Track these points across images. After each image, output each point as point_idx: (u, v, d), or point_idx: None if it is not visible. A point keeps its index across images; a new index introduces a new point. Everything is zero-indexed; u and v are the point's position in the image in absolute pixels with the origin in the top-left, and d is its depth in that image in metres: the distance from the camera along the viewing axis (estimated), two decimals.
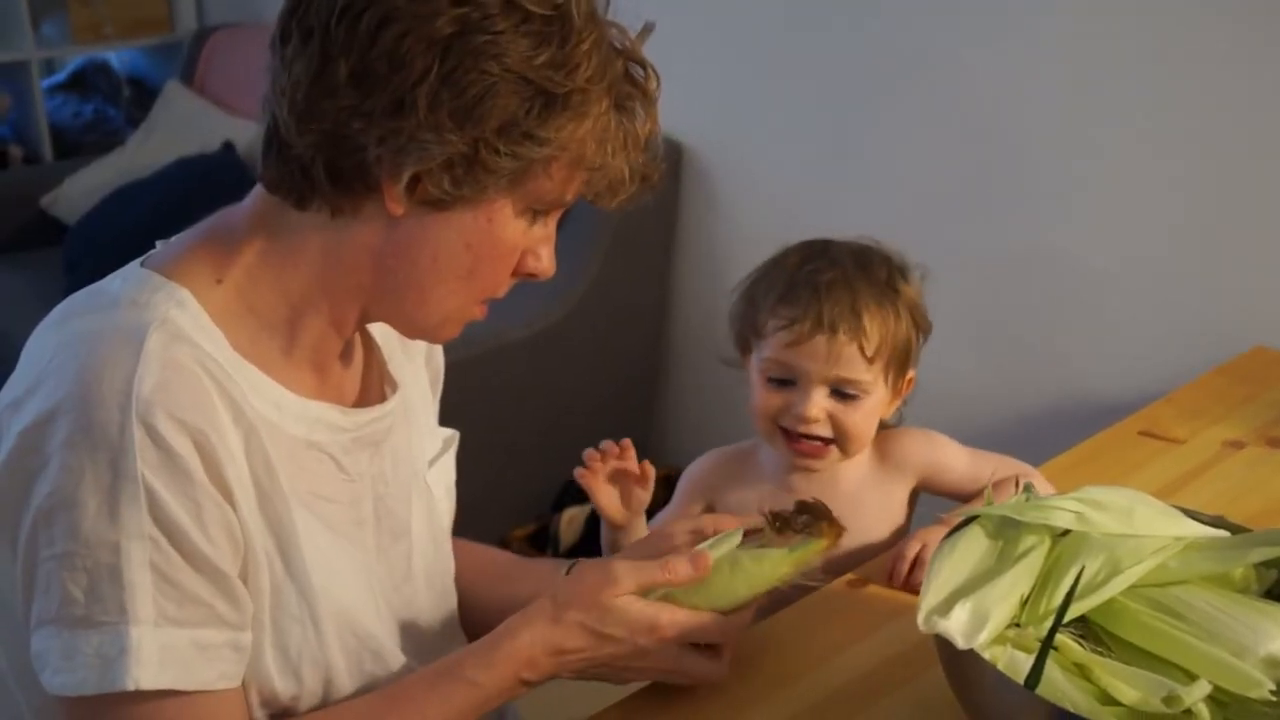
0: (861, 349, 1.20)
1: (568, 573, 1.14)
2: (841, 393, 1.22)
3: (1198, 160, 1.75)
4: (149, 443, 0.80)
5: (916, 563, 1.19)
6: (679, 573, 0.96)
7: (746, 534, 1.04)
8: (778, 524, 1.01)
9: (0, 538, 0.84)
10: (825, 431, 1.23)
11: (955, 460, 1.30)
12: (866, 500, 1.28)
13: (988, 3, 1.91)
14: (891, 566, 1.20)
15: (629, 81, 0.91)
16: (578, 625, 0.95)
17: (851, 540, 1.27)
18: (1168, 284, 1.82)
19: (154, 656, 0.81)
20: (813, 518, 1.01)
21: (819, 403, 1.22)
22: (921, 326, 1.26)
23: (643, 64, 0.91)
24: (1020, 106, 1.92)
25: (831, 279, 1.21)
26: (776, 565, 0.98)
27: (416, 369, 1.11)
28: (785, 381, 1.23)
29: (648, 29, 0.92)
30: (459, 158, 0.85)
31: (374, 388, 1.04)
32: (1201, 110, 1.73)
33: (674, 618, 0.95)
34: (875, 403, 1.24)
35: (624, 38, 0.90)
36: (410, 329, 0.98)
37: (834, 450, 1.25)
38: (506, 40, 0.83)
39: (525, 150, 0.86)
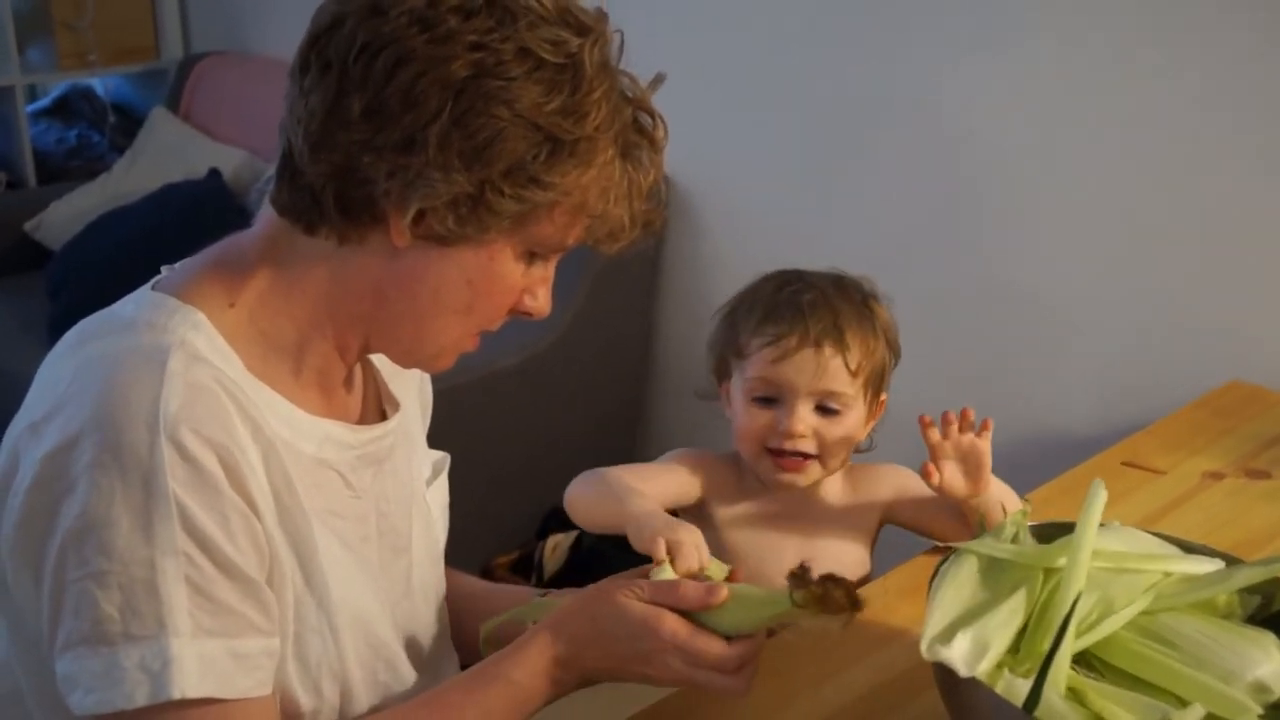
0: (846, 363, 1.23)
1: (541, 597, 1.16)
2: (825, 408, 1.25)
3: (1175, 199, 1.79)
4: (178, 459, 0.82)
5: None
6: (689, 596, 0.96)
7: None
8: (797, 573, 0.95)
9: (22, 563, 0.85)
10: (810, 447, 1.26)
11: (923, 488, 1.30)
12: (835, 527, 1.31)
13: (962, 43, 1.95)
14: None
15: (637, 130, 0.93)
16: (589, 620, 0.97)
17: (825, 568, 1.29)
18: (1146, 320, 1.85)
19: (194, 667, 0.82)
20: (832, 583, 0.94)
21: (805, 417, 1.25)
22: (894, 349, 1.30)
23: (652, 114, 0.94)
24: (999, 146, 1.95)
25: (813, 299, 1.25)
26: (774, 607, 0.95)
27: (411, 393, 1.13)
28: (769, 400, 1.26)
29: (659, 79, 0.94)
30: (464, 197, 0.86)
31: (373, 408, 1.06)
32: (1177, 148, 1.77)
33: (674, 627, 0.94)
34: (856, 419, 1.27)
35: (635, 87, 0.93)
36: (407, 359, 1.00)
37: (815, 465, 1.27)
38: (519, 86, 0.85)
39: (530, 194, 0.87)
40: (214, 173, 2.89)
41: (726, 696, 1.00)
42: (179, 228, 2.71)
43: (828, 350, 1.23)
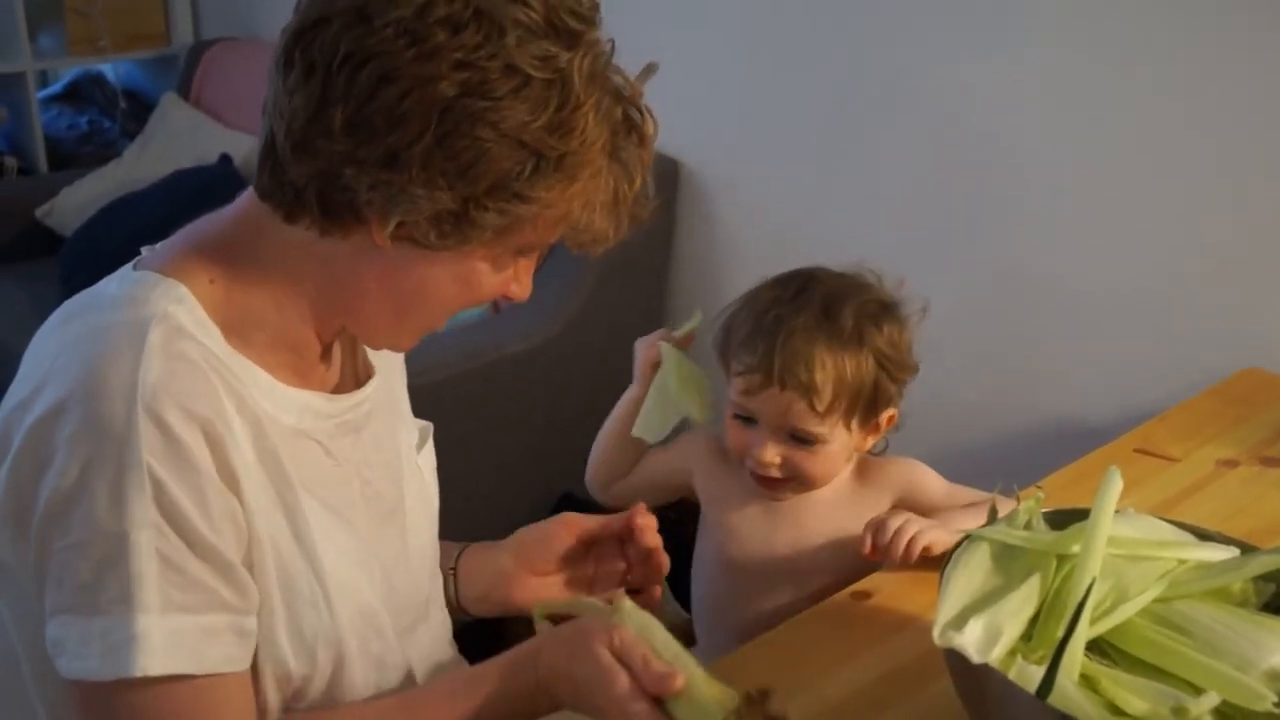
0: (812, 405, 1.21)
1: (459, 555, 1.19)
2: (798, 438, 1.24)
3: (1189, 185, 1.78)
4: (155, 432, 0.82)
5: (880, 534, 1.20)
6: (647, 676, 0.92)
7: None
8: (748, 700, 0.90)
9: (15, 531, 0.86)
10: (779, 475, 1.26)
11: (933, 486, 1.31)
12: (841, 520, 1.30)
13: (980, 29, 1.94)
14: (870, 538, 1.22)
15: (628, 128, 0.91)
16: (566, 656, 0.96)
17: (825, 560, 1.29)
18: (1160, 308, 1.84)
19: (160, 644, 0.83)
20: None
21: (773, 449, 1.24)
22: (894, 373, 1.25)
23: (642, 110, 0.92)
24: (1012, 131, 1.94)
25: (791, 329, 1.21)
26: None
27: (392, 360, 1.13)
28: (748, 419, 1.26)
29: (650, 70, 0.93)
30: (447, 213, 0.86)
31: (350, 375, 1.06)
32: (1191, 136, 1.76)
33: (624, 692, 0.91)
34: (835, 449, 1.26)
35: (626, 84, 0.91)
36: (378, 343, 1.01)
37: (790, 485, 1.28)
38: (505, 106, 0.83)
39: (513, 208, 0.87)
40: (225, 158, 2.89)
41: None
42: (190, 213, 2.68)
43: (791, 392, 1.21)
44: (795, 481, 1.27)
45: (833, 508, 1.30)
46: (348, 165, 0.84)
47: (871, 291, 1.27)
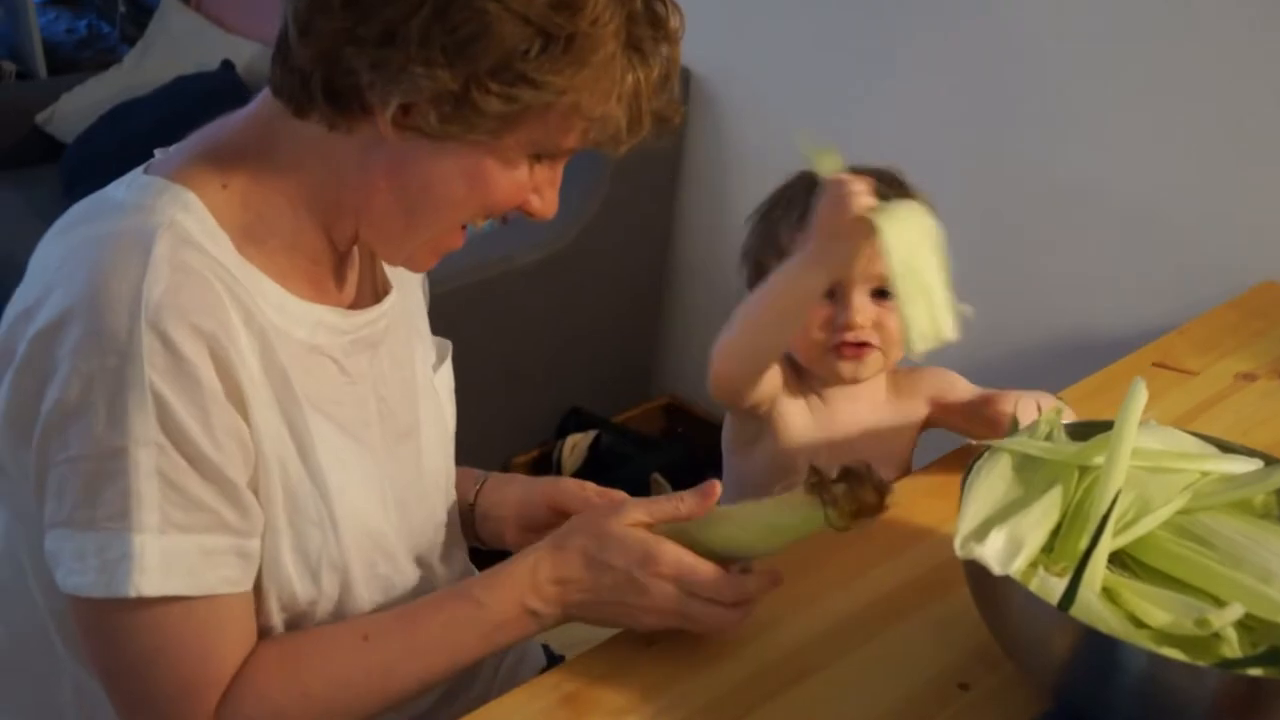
0: None
1: (482, 484, 1.17)
2: (882, 292, 1.22)
3: (1211, 94, 1.74)
4: (159, 348, 0.80)
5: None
6: (687, 502, 0.94)
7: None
8: (815, 481, 0.91)
9: (20, 440, 0.85)
10: (872, 337, 1.23)
11: (962, 389, 1.31)
12: (879, 430, 1.30)
13: None
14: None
15: (649, 20, 0.87)
16: (578, 550, 0.95)
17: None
18: (1179, 219, 1.82)
19: (158, 563, 0.82)
20: (856, 484, 0.90)
21: (864, 308, 1.22)
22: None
23: (665, 3, 0.88)
24: (1034, 37, 1.90)
25: None
26: (803, 524, 0.92)
27: (412, 277, 1.10)
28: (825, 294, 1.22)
29: None
30: (448, 94, 0.83)
31: (369, 291, 1.03)
32: (1215, 43, 1.72)
33: (672, 554, 0.92)
34: None
35: None
36: (393, 254, 0.97)
37: (877, 355, 1.24)
38: None
39: (518, 92, 0.83)
40: (227, 64, 2.84)
41: (716, 633, 0.97)
42: (193, 119, 2.65)
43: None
44: (880, 349, 1.24)
45: (870, 414, 1.30)
46: (348, 44, 0.82)
47: (895, 173, 1.27)
